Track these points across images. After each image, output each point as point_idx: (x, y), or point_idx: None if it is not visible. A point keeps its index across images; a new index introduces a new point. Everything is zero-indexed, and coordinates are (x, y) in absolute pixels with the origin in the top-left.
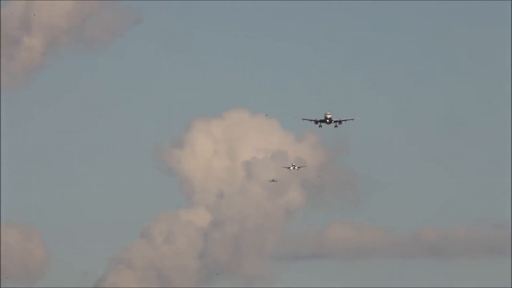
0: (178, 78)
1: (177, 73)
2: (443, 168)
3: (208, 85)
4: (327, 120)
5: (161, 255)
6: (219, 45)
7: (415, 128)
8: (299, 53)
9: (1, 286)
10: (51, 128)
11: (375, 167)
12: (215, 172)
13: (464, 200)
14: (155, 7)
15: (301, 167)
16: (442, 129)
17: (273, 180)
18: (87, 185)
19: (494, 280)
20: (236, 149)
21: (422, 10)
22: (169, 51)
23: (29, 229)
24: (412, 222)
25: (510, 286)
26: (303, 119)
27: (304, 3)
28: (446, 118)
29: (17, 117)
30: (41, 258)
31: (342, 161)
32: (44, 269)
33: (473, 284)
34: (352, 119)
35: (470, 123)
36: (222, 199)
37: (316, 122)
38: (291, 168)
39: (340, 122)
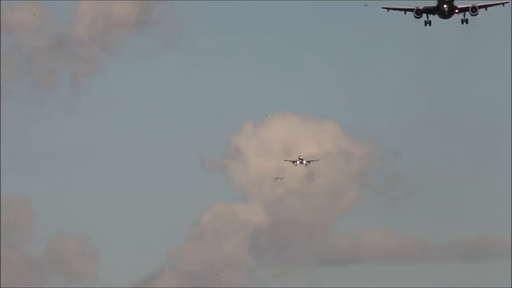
0: (228, 82)
1: (226, 77)
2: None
3: (258, 89)
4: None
5: (209, 255)
6: (266, 48)
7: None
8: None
9: (3, 287)
10: (98, 132)
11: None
12: (267, 172)
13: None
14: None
15: (312, 161)
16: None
17: (277, 178)
18: (138, 186)
19: None
20: (290, 150)
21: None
22: (217, 56)
23: (78, 232)
24: (450, 231)
25: None
26: (387, 9)
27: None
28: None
29: (70, 120)
30: (90, 259)
31: (393, 167)
32: (94, 270)
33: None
34: None
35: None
36: (274, 199)
37: (420, 13)
38: (298, 162)
39: None
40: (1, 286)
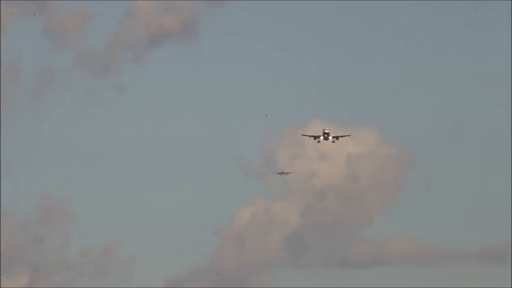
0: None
1: (268, 79)
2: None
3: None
4: None
5: (242, 254)
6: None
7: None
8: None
9: (2, 287)
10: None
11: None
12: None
13: None
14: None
15: (341, 137)
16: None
17: (282, 173)
18: (176, 186)
19: None
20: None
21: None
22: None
23: (110, 235)
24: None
25: None
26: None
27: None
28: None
29: (109, 123)
30: (123, 260)
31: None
32: (126, 271)
33: None
34: None
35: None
36: (313, 198)
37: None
38: (322, 138)
39: None
40: (1, 286)
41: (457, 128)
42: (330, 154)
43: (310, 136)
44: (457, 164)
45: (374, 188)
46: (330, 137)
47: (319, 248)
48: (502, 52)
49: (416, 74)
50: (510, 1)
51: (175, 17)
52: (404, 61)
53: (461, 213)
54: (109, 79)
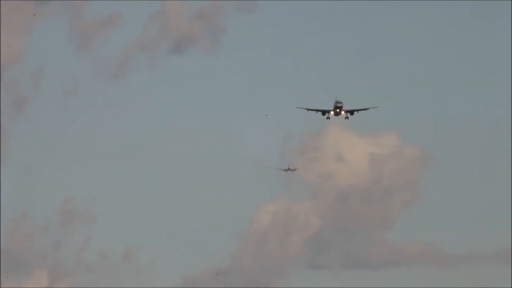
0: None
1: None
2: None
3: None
4: None
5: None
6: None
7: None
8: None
9: (1, 286)
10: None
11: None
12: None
13: None
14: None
15: (356, 111)
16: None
17: (288, 169)
18: (195, 188)
19: None
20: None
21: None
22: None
23: (129, 237)
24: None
25: None
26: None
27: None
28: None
29: (128, 124)
30: (143, 262)
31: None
32: (146, 273)
33: None
34: None
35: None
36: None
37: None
38: (332, 113)
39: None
40: (1, 286)
41: (476, 130)
42: (348, 155)
43: (317, 110)
44: (474, 167)
45: (392, 191)
46: (343, 112)
47: (338, 250)
48: (503, 52)
49: (432, 77)
50: (510, 0)
51: (201, 24)
52: (423, 63)
53: (476, 216)
54: (127, 84)
